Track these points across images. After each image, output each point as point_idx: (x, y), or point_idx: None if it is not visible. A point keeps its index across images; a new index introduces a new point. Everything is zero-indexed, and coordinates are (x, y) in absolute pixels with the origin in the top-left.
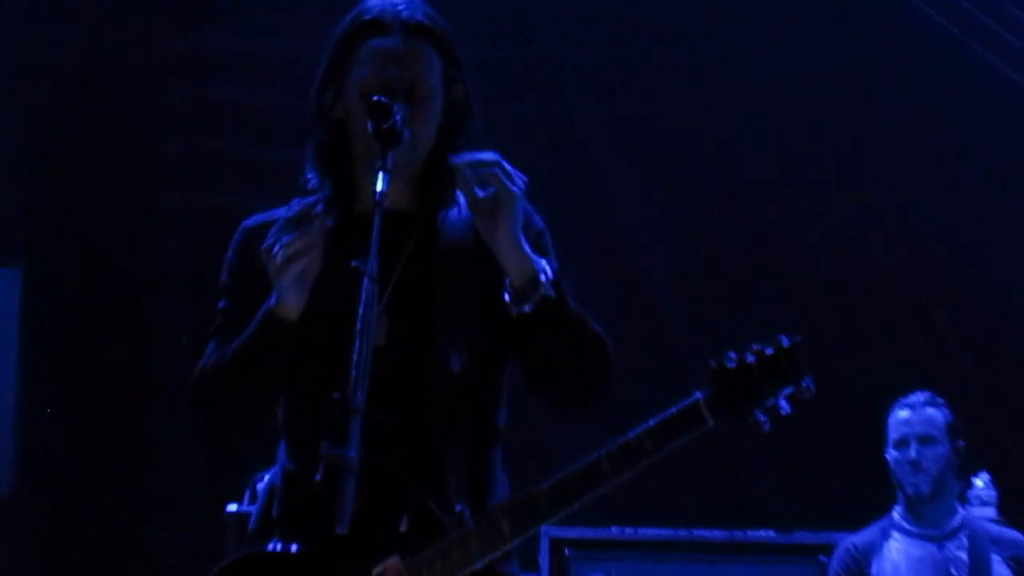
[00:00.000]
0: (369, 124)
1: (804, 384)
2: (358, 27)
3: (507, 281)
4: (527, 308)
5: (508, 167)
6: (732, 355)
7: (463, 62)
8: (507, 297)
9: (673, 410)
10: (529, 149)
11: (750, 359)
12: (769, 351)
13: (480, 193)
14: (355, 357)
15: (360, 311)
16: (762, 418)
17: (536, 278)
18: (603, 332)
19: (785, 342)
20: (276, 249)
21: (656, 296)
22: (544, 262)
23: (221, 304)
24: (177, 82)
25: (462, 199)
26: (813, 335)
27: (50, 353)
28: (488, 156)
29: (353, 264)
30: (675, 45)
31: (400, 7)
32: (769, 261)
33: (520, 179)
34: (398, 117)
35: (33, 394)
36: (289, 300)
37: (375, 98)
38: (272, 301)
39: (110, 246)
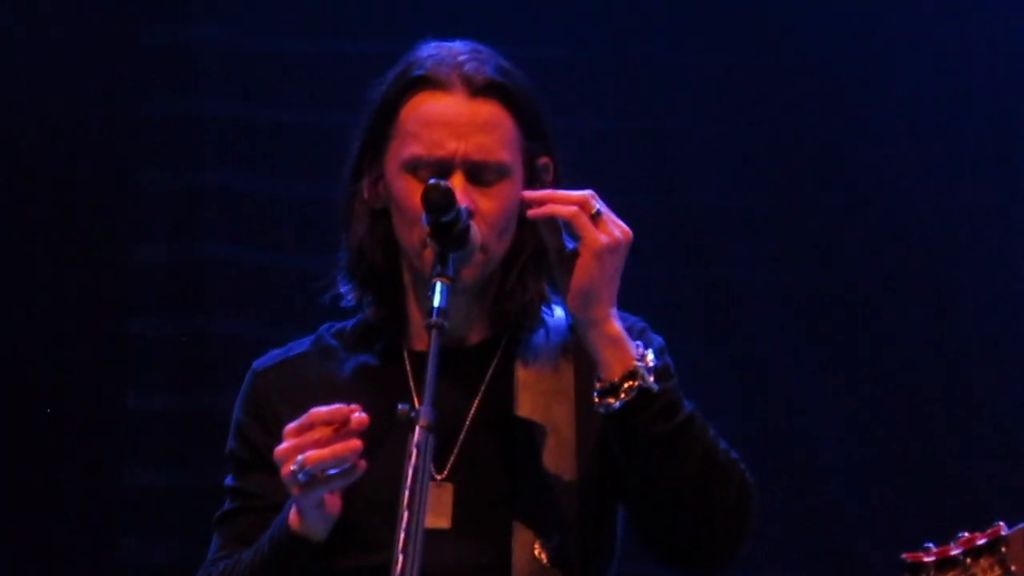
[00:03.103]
0: (424, 217)
1: None
2: (404, 86)
3: (596, 375)
4: (616, 404)
5: (606, 209)
6: (930, 546)
7: (551, 130)
8: (595, 394)
9: None
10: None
11: (955, 551)
12: (982, 541)
13: (568, 244)
14: (402, 535)
15: (408, 473)
16: None
17: (632, 367)
18: (741, 462)
19: (1004, 529)
20: (295, 464)
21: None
22: (649, 350)
23: (228, 480)
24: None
25: (551, 320)
26: None
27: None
28: (575, 197)
29: (400, 407)
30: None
31: (463, 58)
32: None
33: (622, 230)
34: (462, 207)
35: None
36: (313, 525)
37: (430, 181)
38: (289, 516)
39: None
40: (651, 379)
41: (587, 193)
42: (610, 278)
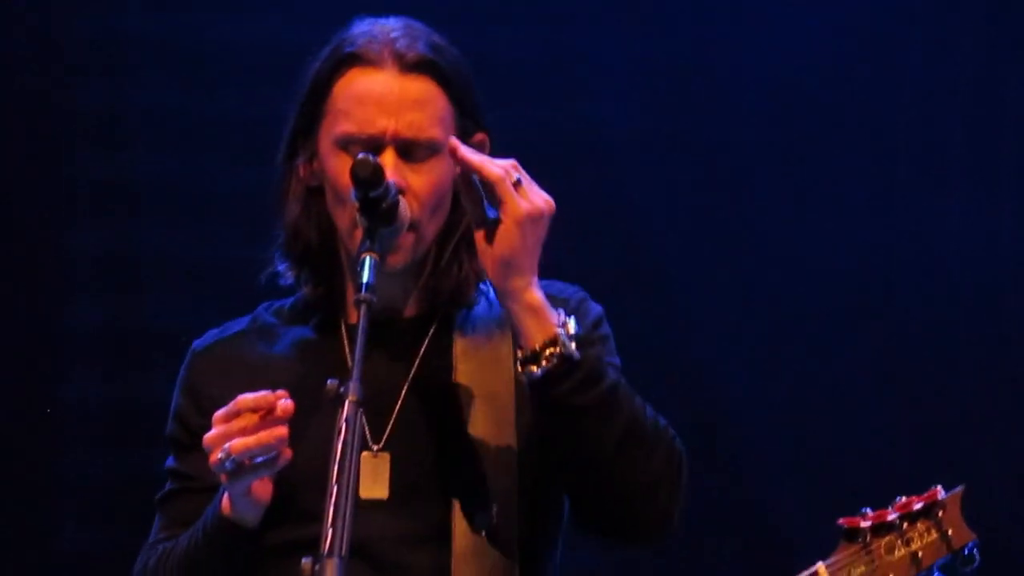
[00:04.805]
0: (352, 192)
1: (966, 552)
2: (336, 63)
3: (518, 343)
4: (538, 372)
5: (528, 180)
6: (867, 510)
7: (484, 109)
8: (517, 363)
9: None
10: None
11: (891, 516)
12: (918, 505)
13: (490, 212)
14: (330, 510)
15: (338, 448)
16: None
17: (553, 334)
18: (671, 428)
19: (941, 493)
20: (222, 452)
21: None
22: (571, 317)
23: (168, 462)
24: None
25: (491, 292)
26: None
27: None
28: (499, 164)
29: (330, 382)
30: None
31: (395, 35)
32: None
33: (544, 200)
34: (390, 183)
35: None
36: (243, 511)
37: (359, 156)
38: (221, 502)
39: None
40: (572, 346)
41: (509, 161)
42: (531, 247)
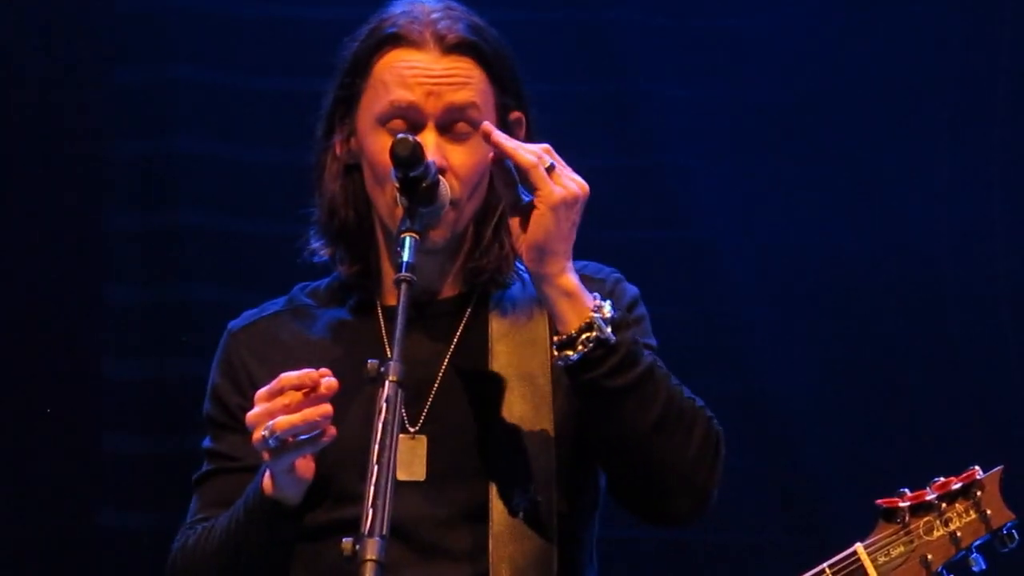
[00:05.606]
0: (393, 171)
1: (1005, 531)
2: (377, 42)
3: (554, 328)
4: (575, 357)
5: (562, 164)
6: (905, 491)
7: (524, 89)
8: (554, 348)
9: (824, 565)
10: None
11: (930, 496)
12: (957, 485)
13: (524, 196)
14: (371, 490)
15: (378, 428)
16: None
17: (589, 319)
18: (707, 409)
19: (980, 473)
20: (265, 430)
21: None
22: (606, 301)
23: (205, 442)
24: None
25: (526, 274)
26: None
27: None
28: (532, 149)
29: (369, 362)
30: None
31: (436, 15)
32: None
33: (578, 184)
34: (430, 162)
35: None
36: (286, 489)
37: (399, 136)
38: (263, 481)
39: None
40: (608, 330)
41: (542, 146)
42: (566, 232)
